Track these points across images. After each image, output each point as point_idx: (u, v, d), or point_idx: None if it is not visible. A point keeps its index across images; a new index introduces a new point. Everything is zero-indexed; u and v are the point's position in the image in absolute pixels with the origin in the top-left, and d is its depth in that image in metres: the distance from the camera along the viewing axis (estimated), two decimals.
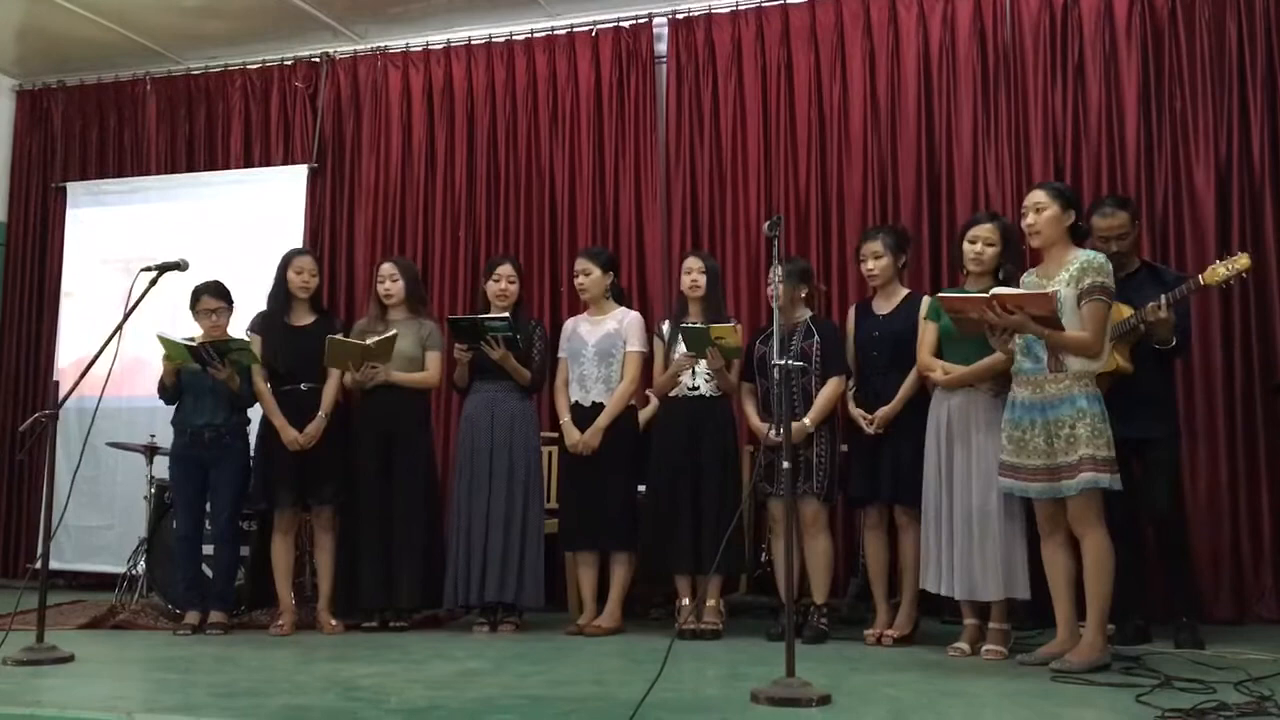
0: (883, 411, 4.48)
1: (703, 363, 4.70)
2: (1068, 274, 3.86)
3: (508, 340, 4.86)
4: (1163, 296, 4.18)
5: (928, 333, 4.38)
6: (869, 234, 4.77)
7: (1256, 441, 5.15)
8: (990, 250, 4.28)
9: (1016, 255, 4.35)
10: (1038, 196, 4.00)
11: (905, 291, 4.68)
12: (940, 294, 4.26)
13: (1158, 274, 4.49)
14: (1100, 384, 4.24)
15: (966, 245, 4.32)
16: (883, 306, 4.66)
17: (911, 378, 4.46)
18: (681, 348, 4.75)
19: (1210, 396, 5.17)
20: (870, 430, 4.50)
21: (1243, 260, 4.09)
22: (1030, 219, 3.99)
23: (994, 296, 3.81)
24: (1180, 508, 4.55)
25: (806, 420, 4.55)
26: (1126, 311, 4.26)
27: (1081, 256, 3.88)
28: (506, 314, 4.93)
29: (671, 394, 4.85)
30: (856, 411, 4.57)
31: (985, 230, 4.31)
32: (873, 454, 4.53)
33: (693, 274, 4.87)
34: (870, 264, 4.65)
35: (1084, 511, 3.77)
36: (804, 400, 4.61)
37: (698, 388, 4.79)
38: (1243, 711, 3.03)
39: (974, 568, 4.10)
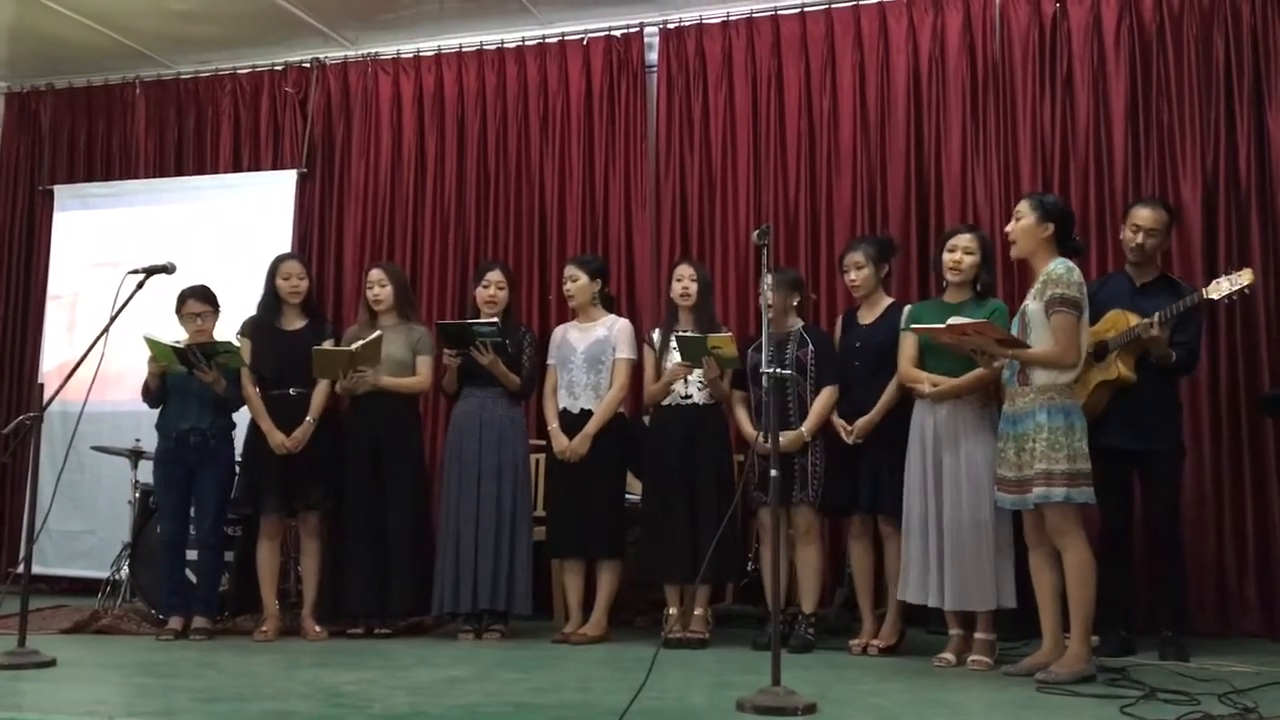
0: (861, 421, 4.48)
1: (697, 371, 4.70)
2: (1037, 286, 3.90)
3: (497, 346, 4.85)
4: (1156, 314, 4.19)
5: (908, 344, 4.39)
6: (851, 245, 4.79)
7: (1241, 455, 5.16)
8: (969, 259, 4.30)
9: (993, 266, 4.41)
10: (1020, 206, 4.06)
11: (889, 301, 4.69)
12: (913, 326, 4.31)
13: (1174, 286, 4.48)
14: (1103, 393, 4.27)
15: (945, 255, 4.36)
16: (866, 316, 4.67)
17: (892, 388, 4.46)
18: (674, 356, 4.75)
19: (1195, 410, 5.17)
20: (849, 440, 4.50)
21: (1245, 276, 4.09)
22: (1009, 227, 4.05)
23: (950, 327, 3.90)
24: (1178, 524, 4.54)
25: (803, 429, 4.56)
26: (1134, 320, 4.27)
27: (1048, 268, 3.89)
28: (495, 320, 4.92)
29: (664, 402, 4.84)
30: (837, 421, 4.57)
31: (964, 240, 4.34)
32: (852, 464, 4.53)
33: (684, 281, 4.87)
34: (852, 274, 4.66)
35: (1060, 523, 3.78)
36: (799, 409, 4.61)
37: (690, 396, 4.79)
38: None
39: (964, 577, 4.09)
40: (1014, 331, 3.91)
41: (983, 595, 4.08)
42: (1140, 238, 4.48)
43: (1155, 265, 4.60)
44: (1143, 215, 4.52)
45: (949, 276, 4.34)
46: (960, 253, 4.31)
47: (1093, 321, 4.22)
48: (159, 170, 7.21)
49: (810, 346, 4.67)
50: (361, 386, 4.95)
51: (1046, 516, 3.80)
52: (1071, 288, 3.83)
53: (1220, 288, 4.13)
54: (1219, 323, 5.22)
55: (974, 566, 4.08)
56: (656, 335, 4.96)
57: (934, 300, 4.53)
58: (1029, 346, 3.83)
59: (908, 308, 4.55)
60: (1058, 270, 3.86)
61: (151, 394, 5.04)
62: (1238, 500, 5.15)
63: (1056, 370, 3.80)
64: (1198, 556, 5.05)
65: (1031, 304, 3.87)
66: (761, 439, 4.49)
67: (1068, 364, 3.82)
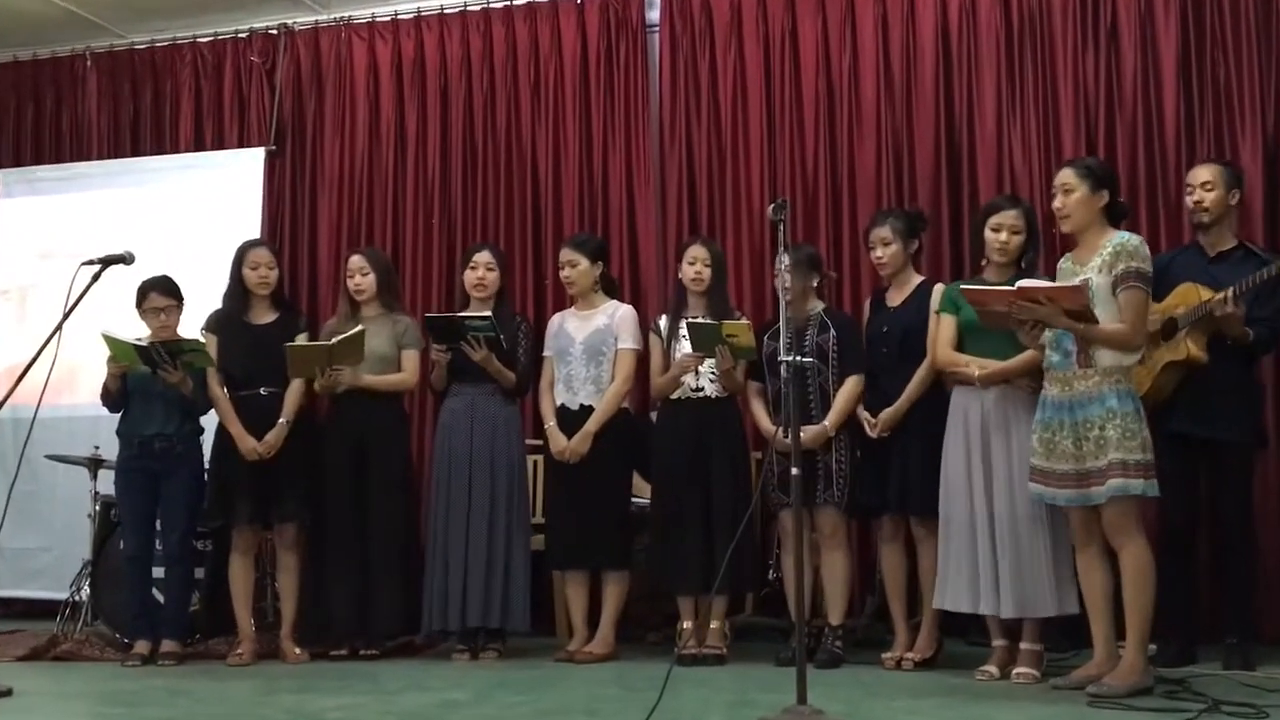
0: (886, 413, 4.48)
1: (708, 362, 4.70)
2: (1100, 259, 3.86)
3: (490, 340, 4.85)
4: (1230, 289, 4.17)
5: (945, 327, 4.36)
6: (877, 219, 4.77)
7: None
8: (1016, 239, 4.29)
9: (1039, 242, 4.38)
10: (1065, 177, 4.00)
11: (918, 280, 4.67)
12: (962, 285, 4.26)
13: (1256, 257, 4.43)
14: (1171, 375, 4.25)
15: (990, 233, 4.32)
16: (894, 298, 4.67)
17: (920, 376, 4.44)
18: (684, 345, 4.75)
19: None
20: (873, 433, 4.50)
21: None
22: (1058, 202, 4.00)
23: (1020, 290, 3.81)
24: (1249, 520, 4.51)
25: (826, 423, 4.56)
26: (1206, 294, 4.24)
27: (1115, 239, 3.87)
28: (488, 313, 4.92)
29: (673, 396, 4.84)
30: (861, 414, 4.57)
31: (1010, 218, 4.30)
32: (880, 460, 4.54)
33: (697, 264, 4.86)
34: (879, 251, 4.65)
35: (1121, 520, 3.77)
36: (822, 401, 4.61)
37: (701, 388, 4.79)
38: None
39: (1023, 582, 4.05)
40: None
41: (1044, 600, 4.05)
42: (1196, 195, 4.48)
43: (1231, 232, 4.55)
44: (1195, 174, 4.55)
45: (995, 257, 4.31)
46: (1007, 232, 4.28)
47: (1160, 297, 4.22)
48: (114, 151, 7.22)
49: (832, 332, 4.67)
50: (341, 385, 4.96)
51: (1105, 513, 3.78)
52: (1146, 261, 3.83)
53: None
54: None
55: (1033, 569, 4.05)
56: (664, 321, 4.96)
57: (976, 279, 4.43)
58: (1097, 322, 3.79)
59: (939, 288, 4.53)
60: (1132, 242, 3.85)
61: (112, 397, 5.06)
62: None
63: (1125, 350, 3.79)
64: (1265, 556, 5.04)
65: (1097, 277, 3.83)
66: (781, 434, 4.50)
67: (1136, 345, 3.82)
